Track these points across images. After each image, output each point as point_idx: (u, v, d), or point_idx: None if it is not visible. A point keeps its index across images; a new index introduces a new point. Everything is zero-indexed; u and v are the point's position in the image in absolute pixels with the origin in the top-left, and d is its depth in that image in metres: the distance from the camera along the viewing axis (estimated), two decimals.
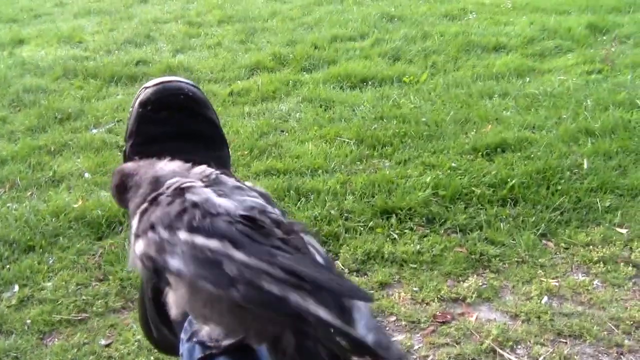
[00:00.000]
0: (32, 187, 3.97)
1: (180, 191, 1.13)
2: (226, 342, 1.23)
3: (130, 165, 1.23)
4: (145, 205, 1.13)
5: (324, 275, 0.99)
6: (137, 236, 1.11)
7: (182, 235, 1.04)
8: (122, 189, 1.20)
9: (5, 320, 2.90)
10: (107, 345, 2.75)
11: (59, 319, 2.90)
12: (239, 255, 0.99)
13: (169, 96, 1.57)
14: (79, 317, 2.92)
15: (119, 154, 4.28)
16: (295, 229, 1.11)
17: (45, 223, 3.51)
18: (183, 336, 1.34)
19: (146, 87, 1.58)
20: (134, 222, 1.13)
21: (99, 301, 2.98)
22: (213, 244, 1.01)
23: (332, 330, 0.95)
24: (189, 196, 1.11)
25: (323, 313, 0.95)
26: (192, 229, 1.04)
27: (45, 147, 4.49)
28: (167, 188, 1.15)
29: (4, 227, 3.51)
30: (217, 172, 1.20)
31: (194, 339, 1.28)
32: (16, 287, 3.10)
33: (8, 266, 3.23)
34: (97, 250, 3.31)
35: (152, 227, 1.08)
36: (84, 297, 3.01)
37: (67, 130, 4.75)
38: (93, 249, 3.32)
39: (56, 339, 2.82)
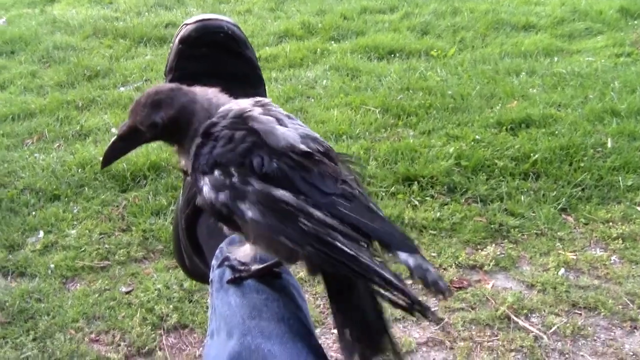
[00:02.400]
0: (60, 140, 4.03)
1: (241, 120, 1.15)
2: (255, 267, 1.28)
3: (171, 85, 1.21)
4: (198, 140, 1.15)
5: (378, 226, 1.06)
6: (203, 173, 1.13)
7: (255, 183, 1.08)
8: (156, 104, 1.17)
9: (29, 264, 2.96)
10: (128, 293, 2.81)
11: (81, 265, 2.96)
12: (314, 211, 1.05)
13: (209, 34, 1.59)
14: (101, 265, 2.97)
15: None
16: (342, 159, 1.18)
17: (72, 174, 3.56)
18: (214, 262, 1.38)
19: (187, 24, 1.61)
20: (192, 155, 1.15)
21: (121, 250, 3.04)
22: (289, 197, 1.06)
23: (393, 288, 1.02)
24: (253, 124, 1.13)
25: (387, 274, 1.02)
26: (263, 177, 1.08)
27: (73, 102, 4.55)
28: (223, 117, 1.16)
29: (31, 176, 3.57)
30: (268, 100, 1.22)
31: (225, 264, 1.32)
32: (41, 233, 3.16)
33: (34, 213, 3.30)
34: (121, 202, 3.36)
35: (218, 165, 1.11)
36: (106, 246, 3.06)
37: (95, 87, 4.80)
38: (117, 201, 3.37)
39: (78, 284, 2.88)
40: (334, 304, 1.14)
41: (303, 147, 1.12)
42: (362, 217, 1.06)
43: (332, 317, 1.16)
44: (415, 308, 1.04)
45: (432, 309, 1.09)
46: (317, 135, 1.18)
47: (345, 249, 1.02)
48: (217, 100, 1.20)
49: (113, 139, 1.18)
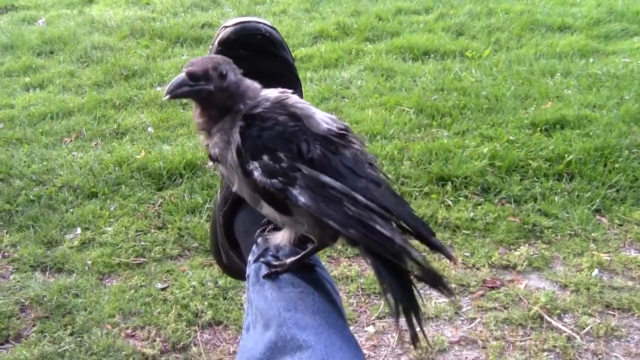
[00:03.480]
0: (97, 138, 4.10)
1: (281, 106, 1.22)
2: (290, 261, 1.31)
3: (229, 62, 1.25)
4: (241, 123, 1.20)
5: (402, 208, 1.21)
6: (252, 156, 1.19)
7: (303, 169, 1.17)
8: (228, 62, 1.23)
9: (67, 260, 3.02)
10: (163, 289, 2.85)
11: (118, 261, 3.01)
12: (357, 196, 1.16)
13: (247, 36, 1.63)
14: (137, 261, 3.02)
15: (182, 110, 4.37)
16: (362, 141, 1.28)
17: (109, 172, 3.62)
18: (250, 258, 1.43)
19: (226, 27, 1.65)
20: (236, 137, 1.20)
21: (157, 247, 3.08)
22: (335, 183, 1.16)
23: (420, 267, 1.19)
24: (295, 110, 1.22)
25: (415, 253, 1.16)
26: (309, 162, 1.17)
27: (110, 101, 4.62)
28: (264, 101, 1.23)
29: (69, 174, 3.63)
30: (290, 91, 1.27)
31: (261, 260, 1.36)
32: (79, 230, 3.22)
33: (72, 210, 3.36)
34: (157, 200, 3.41)
35: (267, 150, 1.18)
36: (142, 243, 3.11)
37: (132, 87, 4.86)
38: (153, 199, 3.42)
39: (115, 280, 2.92)
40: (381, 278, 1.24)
41: (337, 129, 1.22)
42: (390, 201, 1.19)
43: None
44: (436, 283, 1.20)
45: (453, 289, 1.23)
46: (334, 116, 1.27)
47: (383, 231, 1.14)
48: (254, 87, 1.27)
49: (180, 74, 1.20)
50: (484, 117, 4.09)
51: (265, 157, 1.17)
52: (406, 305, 1.22)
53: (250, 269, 1.40)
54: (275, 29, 1.69)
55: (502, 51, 5.28)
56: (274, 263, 1.34)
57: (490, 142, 3.75)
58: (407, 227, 1.22)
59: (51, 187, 3.53)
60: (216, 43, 1.65)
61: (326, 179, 1.15)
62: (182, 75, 1.19)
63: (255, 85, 1.27)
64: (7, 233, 3.23)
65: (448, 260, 2.89)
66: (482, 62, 5.03)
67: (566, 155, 3.54)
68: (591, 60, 5.00)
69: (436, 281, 1.19)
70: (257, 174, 1.18)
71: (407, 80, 4.71)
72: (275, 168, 1.16)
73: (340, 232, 1.17)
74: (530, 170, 3.47)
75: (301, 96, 1.67)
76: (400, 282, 1.22)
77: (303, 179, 1.15)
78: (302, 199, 1.15)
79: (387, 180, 1.25)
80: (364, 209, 1.15)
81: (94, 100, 4.60)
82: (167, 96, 1.18)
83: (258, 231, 1.44)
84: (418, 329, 1.23)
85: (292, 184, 1.16)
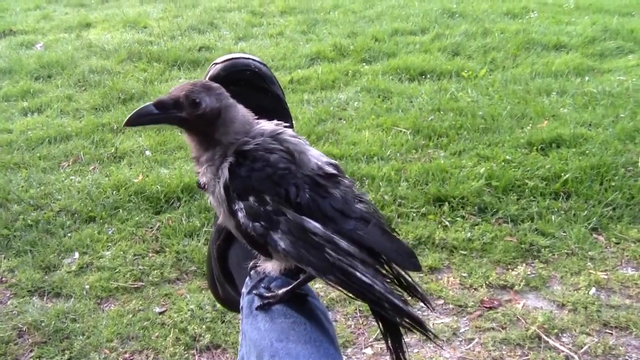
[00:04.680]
0: (95, 162, 4.10)
1: (275, 140, 1.24)
2: (282, 292, 1.32)
3: (208, 89, 1.24)
4: (232, 159, 1.21)
5: (390, 247, 1.20)
6: (239, 196, 1.20)
7: (288, 213, 1.17)
8: (207, 88, 1.23)
9: (65, 285, 3.02)
10: (161, 313, 2.84)
11: (116, 285, 3.01)
12: (340, 242, 1.16)
13: (237, 72, 1.66)
14: (135, 285, 3.01)
15: (180, 134, 4.38)
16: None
17: (106, 196, 3.63)
18: (244, 290, 1.44)
19: (216, 63, 1.68)
20: (225, 172, 1.21)
21: (155, 271, 3.08)
22: (319, 229, 1.17)
23: (400, 313, 1.18)
24: (289, 146, 1.24)
25: (396, 301, 1.17)
26: (297, 206, 1.18)
27: (108, 125, 4.63)
28: (259, 135, 1.25)
29: (67, 198, 3.63)
30: (287, 124, 1.29)
31: (254, 292, 1.37)
32: (76, 255, 3.22)
33: (69, 234, 3.36)
34: (154, 224, 3.41)
35: (254, 191, 1.19)
36: (140, 267, 3.11)
37: (130, 110, 4.81)
38: (151, 222, 3.42)
39: (112, 305, 2.92)
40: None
41: (329, 169, 1.23)
42: (377, 239, 1.19)
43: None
44: (417, 329, 1.20)
45: (433, 331, 1.23)
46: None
47: (363, 277, 1.14)
48: (246, 118, 1.28)
49: (147, 103, 1.21)
50: (481, 137, 4.10)
51: (251, 199, 1.18)
52: (390, 331, 1.25)
53: (243, 301, 1.41)
54: (264, 64, 1.72)
55: (498, 71, 5.30)
56: (266, 295, 1.35)
57: (486, 162, 3.76)
58: (392, 264, 1.23)
59: (49, 212, 3.53)
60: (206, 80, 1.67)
61: (310, 225, 1.16)
62: (148, 104, 1.21)
63: (248, 115, 1.28)
64: (4, 258, 3.24)
65: (446, 280, 2.93)
66: (478, 82, 5.05)
67: (562, 174, 3.55)
68: (587, 78, 5.02)
69: (416, 327, 1.20)
70: (240, 215, 1.19)
71: (403, 101, 4.73)
72: (260, 211, 1.17)
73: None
74: (527, 190, 3.48)
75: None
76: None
77: (286, 224, 1.16)
78: (282, 244, 1.16)
79: (377, 214, 1.25)
80: (345, 255, 1.15)
81: (91, 124, 4.61)
82: (125, 125, 1.19)
83: (250, 263, 1.45)
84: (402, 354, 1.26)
85: (274, 228, 1.17)
